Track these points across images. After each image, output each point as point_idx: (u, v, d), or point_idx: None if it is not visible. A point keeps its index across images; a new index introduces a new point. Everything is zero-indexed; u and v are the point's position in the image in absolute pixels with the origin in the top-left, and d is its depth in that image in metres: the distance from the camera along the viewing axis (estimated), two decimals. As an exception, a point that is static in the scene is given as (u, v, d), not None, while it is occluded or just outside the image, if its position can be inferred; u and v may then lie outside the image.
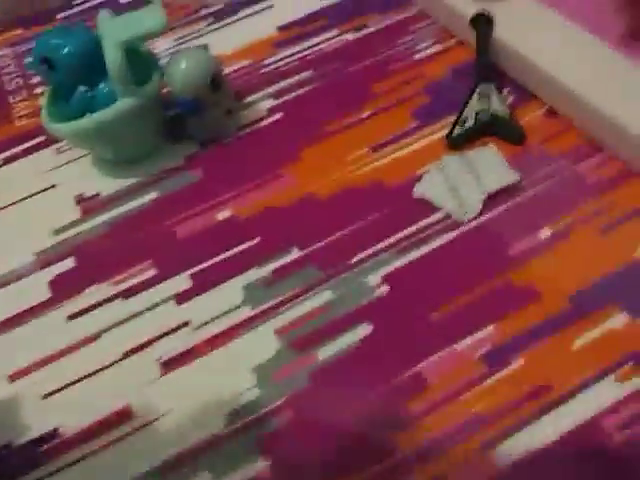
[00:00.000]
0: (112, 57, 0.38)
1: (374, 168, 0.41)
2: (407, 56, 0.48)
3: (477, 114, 0.41)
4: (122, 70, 0.38)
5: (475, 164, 0.39)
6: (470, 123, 0.41)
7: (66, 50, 0.40)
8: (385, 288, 0.35)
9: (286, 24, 0.53)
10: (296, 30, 0.52)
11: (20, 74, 0.54)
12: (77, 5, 0.60)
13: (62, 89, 0.42)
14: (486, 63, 0.42)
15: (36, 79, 0.53)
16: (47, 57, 0.40)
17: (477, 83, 0.42)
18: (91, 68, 0.41)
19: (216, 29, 0.54)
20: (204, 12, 0.56)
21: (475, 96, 0.41)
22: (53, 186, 0.44)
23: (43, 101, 0.42)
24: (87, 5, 0.60)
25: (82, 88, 0.41)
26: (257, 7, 0.55)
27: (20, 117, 0.50)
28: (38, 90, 0.52)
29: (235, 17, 0.55)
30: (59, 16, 0.59)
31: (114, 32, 0.40)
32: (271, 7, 0.55)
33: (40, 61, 0.41)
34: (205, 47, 0.43)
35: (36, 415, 0.34)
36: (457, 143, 0.41)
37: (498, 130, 0.41)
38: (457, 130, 0.41)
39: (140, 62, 0.42)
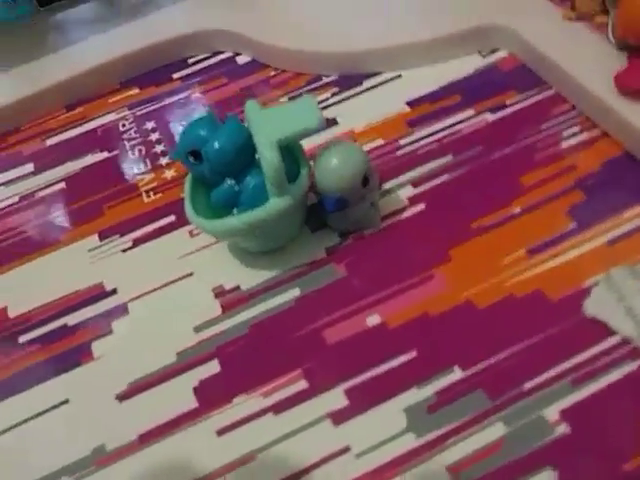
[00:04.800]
0: (269, 158, 0.35)
1: (533, 275, 0.38)
2: (553, 144, 0.44)
3: None
4: (279, 171, 0.36)
5: (650, 281, 0.35)
6: None
7: (217, 145, 0.37)
8: (565, 427, 0.31)
9: (416, 99, 0.49)
10: (428, 107, 0.49)
11: (141, 141, 0.52)
12: (193, 65, 0.58)
13: (205, 179, 0.39)
14: None
15: (159, 148, 0.50)
16: (195, 150, 0.38)
17: None
18: (239, 162, 0.38)
19: (342, 100, 0.51)
20: (325, 80, 0.53)
21: None
22: (190, 274, 0.41)
23: (186, 189, 0.40)
24: (203, 65, 0.58)
25: (229, 181, 0.38)
26: (383, 77, 0.52)
27: (147, 192, 0.47)
28: (162, 161, 0.49)
29: (361, 87, 0.52)
30: (175, 76, 0.57)
31: (268, 129, 0.37)
32: (399, 77, 0.52)
33: (188, 153, 0.38)
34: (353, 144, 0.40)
35: None
36: None
37: None
38: None
39: (288, 154, 0.39)
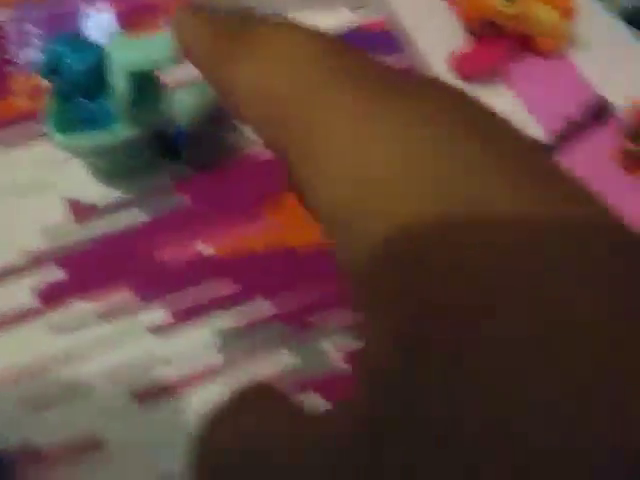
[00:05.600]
0: (120, 87, 0.38)
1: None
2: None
3: None
4: (127, 101, 0.39)
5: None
6: None
7: (70, 63, 0.40)
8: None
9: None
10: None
11: (27, 37, 0.53)
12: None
13: (67, 95, 0.42)
14: None
15: (36, 52, 0.52)
16: (55, 69, 0.40)
17: None
18: (92, 83, 0.40)
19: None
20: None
21: None
22: (48, 183, 0.45)
23: (48, 101, 0.42)
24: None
25: (82, 100, 0.41)
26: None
27: (20, 93, 0.49)
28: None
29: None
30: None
31: (123, 59, 0.39)
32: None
33: (49, 70, 0.40)
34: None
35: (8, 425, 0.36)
36: None
37: None
38: None
39: (145, 84, 0.41)
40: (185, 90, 0.41)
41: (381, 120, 0.13)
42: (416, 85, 0.14)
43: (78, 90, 0.40)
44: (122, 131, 0.40)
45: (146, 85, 0.41)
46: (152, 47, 0.40)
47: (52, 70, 0.40)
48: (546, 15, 0.43)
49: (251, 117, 0.15)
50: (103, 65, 0.39)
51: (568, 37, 0.45)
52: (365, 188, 0.12)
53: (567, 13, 0.44)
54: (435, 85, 0.14)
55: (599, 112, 0.42)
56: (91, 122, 0.41)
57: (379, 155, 0.13)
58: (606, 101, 0.42)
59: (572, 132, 0.41)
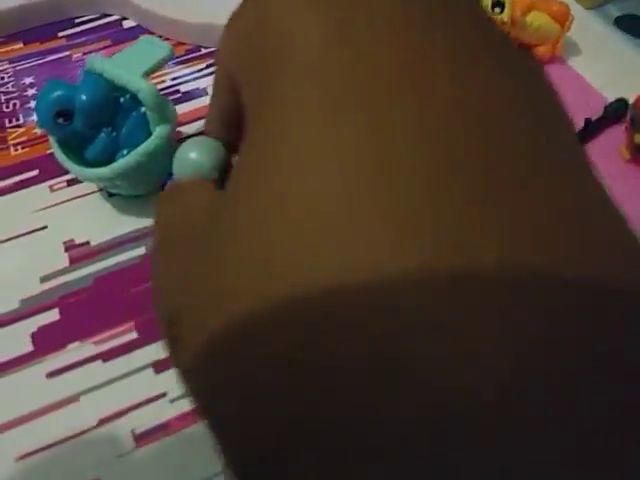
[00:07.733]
0: (145, 87, 0.38)
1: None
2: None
3: None
4: (158, 96, 0.38)
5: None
6: None
7: (84, 97, 0.38)
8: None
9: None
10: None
11: (17, 95, 0.52)
12: (79, 24, 0.58)
13: (75, 139, 0.40)
14: None
15: (34, 104, 0.51)
16: (63, 110, 0.39)
17: None
18: (109, 109, 0.40)
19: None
20: (204, 51, 0.55)
21: None
22: (44, 227, 0.43)
23: (58, 154, 0.41)
24: (90, 26, 0.58)
25: (106, 129, 0.40)
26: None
27: (15, 145, 0.48)
28: (34, 117, 0.50)
29: (235, 62, 0.54)
30: (61, 34, 0.58)
31: (130, 69, 0.39)
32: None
33: (55, 116, 0.39)
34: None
35: (6, 478, 0.33)
36: None
37: None
38: None
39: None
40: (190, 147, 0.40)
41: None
42: None
43: (99, 121, 0.39)
44: (162, 130, 0.39)
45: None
46: (146, 49, 0.40)
47: (61, 115, 0.39)
48: (540, 22, 0.42)
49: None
50: (109, 92, 0.39)
51: (565, 45, 0.44)
52: None
53: (563, 20, 0.43)
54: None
55: (616, 111, 0.40)
56: (117, 150, 0.40)
57: None
58: (622, 100, 0.41)
59: (589, 133, 0.39)
